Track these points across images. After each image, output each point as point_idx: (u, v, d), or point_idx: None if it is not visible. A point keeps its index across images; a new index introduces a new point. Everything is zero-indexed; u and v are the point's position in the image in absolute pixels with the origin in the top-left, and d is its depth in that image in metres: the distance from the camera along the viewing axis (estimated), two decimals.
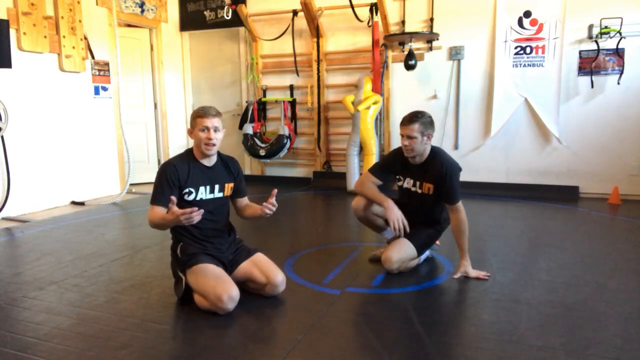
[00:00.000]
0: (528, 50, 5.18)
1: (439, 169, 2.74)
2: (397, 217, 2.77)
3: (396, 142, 5.40)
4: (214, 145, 2.41)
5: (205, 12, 6.47)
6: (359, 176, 4.51)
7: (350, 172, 5.58)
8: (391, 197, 2.95)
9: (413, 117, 2.73)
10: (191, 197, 2.43)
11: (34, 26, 4.60)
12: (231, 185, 2.59)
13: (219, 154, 2.57)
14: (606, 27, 4.84)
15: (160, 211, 2.34)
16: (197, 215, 2.15)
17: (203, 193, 2.47)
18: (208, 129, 2.38)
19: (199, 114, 2.41)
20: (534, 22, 5.14)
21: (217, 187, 2.52)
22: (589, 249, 3.38)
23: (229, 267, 2.49)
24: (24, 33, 4.52)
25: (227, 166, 2.59)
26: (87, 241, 3.67)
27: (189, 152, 2.51)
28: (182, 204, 2.42)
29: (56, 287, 2.71)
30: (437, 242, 3.12)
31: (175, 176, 2.38)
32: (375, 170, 3.01)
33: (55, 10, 4.84)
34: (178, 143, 6.57)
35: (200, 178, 2.46)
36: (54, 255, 3.32)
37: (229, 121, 6.58)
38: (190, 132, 2.45)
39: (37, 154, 4.79)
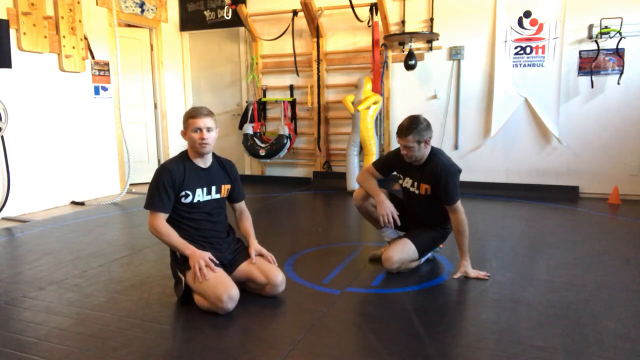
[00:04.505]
0: (528, 50, 5.18)
1: (435, 171, 2.75)
2: (385, 211, 2.81)
3: (396, 142, 5.39)
4: (207, 144, 2.41)
5: (205, 12, 6.47)
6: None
7: (350, 172, 5.57)
8: (398, 198, 2.96)
9: (407, 129, 2.71)
10: (188, 200, 2.43)
11: (34, 26, 4.60)
12: (228, 187, 2.59)
13: (214, 155, 2.57)
14: (606, 27, 4.84)
15: (164, 218, 2.37)
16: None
17: (200, 195, 2.46)
18: (200, 129, 2.38)
19: (191, 115, 2.41)
20: (534, 22, 5.14)
21: (213, 188, 2.51)
22: (589, 249, 3.38)
23: (229, 267, 2.49)
24: (24, 33, 4.52)
25: (223, 168, 2.59)
26: (87, 241, 3.67)
27: (184, 154, 2.51)
28: (179, 206, 2.43)
29: (56, 287, 2.71)
30: (441, 245, 3.11)
31: (171, 181, 2.37)
32: (378, 164, 3.04)
33: (55, 10, 4.84)
34: (178, 143, 6.56)
35: (196, 180, 2.45)
36: (54, 255, 3.32)
37: (228, 121, 6.58)
38: (184, 133, 2.45)
39: (37, 154, 4.79)
